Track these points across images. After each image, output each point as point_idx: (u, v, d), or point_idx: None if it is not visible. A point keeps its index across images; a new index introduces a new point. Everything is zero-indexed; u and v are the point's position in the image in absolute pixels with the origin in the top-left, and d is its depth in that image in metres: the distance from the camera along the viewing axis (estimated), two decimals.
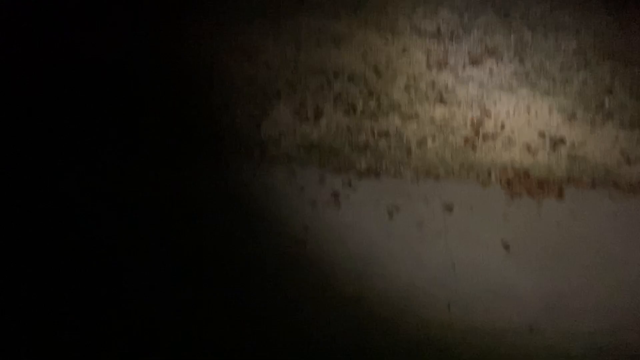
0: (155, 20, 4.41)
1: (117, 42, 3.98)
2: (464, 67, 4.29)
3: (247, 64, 4.06)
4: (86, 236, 2.60)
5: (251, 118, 3.39)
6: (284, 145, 3.21)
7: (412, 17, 5.38)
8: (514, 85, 4.17)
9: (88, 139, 3.13)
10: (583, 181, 3.26)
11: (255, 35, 4.59)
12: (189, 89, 3.64)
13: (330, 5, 5.63)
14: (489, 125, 3.63)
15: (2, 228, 2.54)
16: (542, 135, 3.61)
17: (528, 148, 3.48)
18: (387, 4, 5.81)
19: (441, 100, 3.82)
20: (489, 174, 3.24)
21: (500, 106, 3.85)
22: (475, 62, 4.37)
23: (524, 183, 3.20)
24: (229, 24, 4.78)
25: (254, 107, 3.50)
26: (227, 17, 4.94)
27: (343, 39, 4.68)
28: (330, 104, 3.71)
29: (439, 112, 3.71)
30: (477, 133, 3.53)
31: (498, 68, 4.40)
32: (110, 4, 4.37)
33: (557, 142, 3.55)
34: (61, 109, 3.34)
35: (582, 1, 6.02)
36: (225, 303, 2.39)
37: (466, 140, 3.47)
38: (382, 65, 4.26)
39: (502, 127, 3.64)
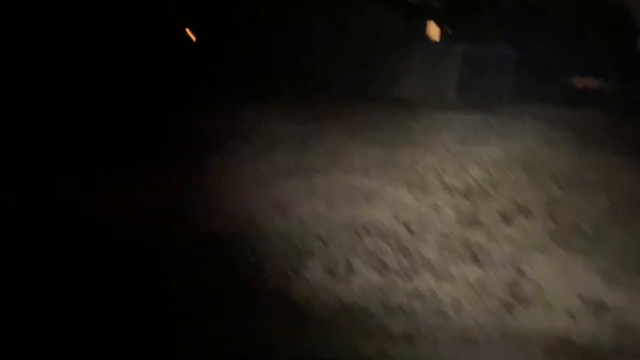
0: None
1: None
2: (496, 225, 4.30)
3: (281, 220, 4.17)
4: None
5: (283, 277, 3.39)
6: (315, 306, 3.15)
7: (442, 174, 5.57)
8: (548, 244, 4.13)
9: None
10: (631, 352, 3.04)
11: (289, 192, 4.80)
12: (222, 246, 3.71)
13: (361, 163, 5.91)
14: (526, 288, 3.52)
15: None
16: (581, 299, 3.47)
17: (568, 313, 3.32)
18: (416, 162, 6.08)
19: (475, 259, 3.78)
20: (529, 342, 3.06)
21: (535, 267, 3.78)
22: (507, 220, 4.39)
23: (567, 352, 3.00)
24: (265, 181, 5.04)
25: (286, 265, 3.52)
26: (264, 175, 5.21)
27: (373, 196, 4.83)
28: (362, 261, 3.70)
29: (474, 272, 3.64)
30: (514, 296, 3.42)
31: (530, 226, 4.41)
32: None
33: (598, 307, 3.39)
34: None
35: (609, 160, 6.18)
36: None
37: (503, 303, 3.35)
38: (414, 222, 4.32)
39: (539, 289, 3.53)
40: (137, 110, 7.97)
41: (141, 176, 4.97)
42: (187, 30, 18.51)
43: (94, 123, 6.80)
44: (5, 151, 5.22)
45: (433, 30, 20.53)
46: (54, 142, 5.79)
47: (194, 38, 18.76)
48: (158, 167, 5.24)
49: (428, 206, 4.66)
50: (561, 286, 3.59)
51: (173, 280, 3.25)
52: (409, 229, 4.18)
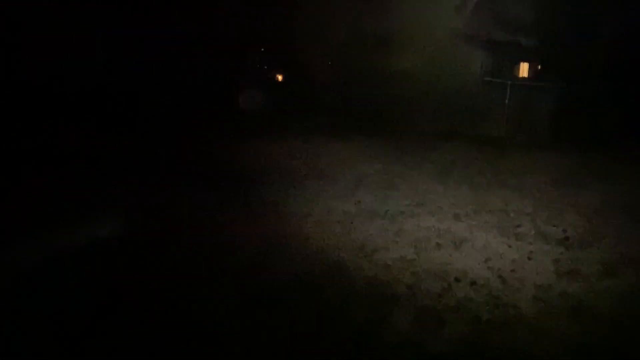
0: None
1: None
2: (598, 278, 3.98)
3: (367, 264, 4.10)
4: None
5: (368, 323, 3.31)
6: (404, 357, 3.04)
7: (536, 220, 5.28)
8: None
9: None
10: None
11: (376, 235, 4.73)
12: (307, 290, 3.70)
13: (450, 205, 5.75)
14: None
15: None
16: None
17: None
18: (507, 205, 5.82)
19: (576, 315, 3.49)
20: None
21: None
22: (611, 272, 4.05)
23: None
24: (351, 223, 5.01)
25: (372, 311, 3.43)
26: (350, 216, 5.20)
27: (463, 241, 4.65)
28: (453, 312, 3.54)
29: (574, 329, 3.36)
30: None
31: (637, 279, 4.05)
32: None
33: None
34: None
35: None
36: None
37: None
38: (506, 271, 4.09)
39: None
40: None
41: (226, 216, 5.11)
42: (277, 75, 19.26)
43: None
44: None
45: (523, 68, 19.97)
46: None
47: (280, 78, 19.43)
48: (239, 207, 5.39)
49: (522, 254, 4.41)
50: None
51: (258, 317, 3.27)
52: (501, 279, 3.96)
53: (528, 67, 20.47)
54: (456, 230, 4.90)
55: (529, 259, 4.31)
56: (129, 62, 12.48)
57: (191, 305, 3.38)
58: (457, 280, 3.90)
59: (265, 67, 19.30)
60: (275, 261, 4.05)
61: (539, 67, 19.77)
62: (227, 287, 3.66)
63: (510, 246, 4.56)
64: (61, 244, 3.30)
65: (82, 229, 3.78)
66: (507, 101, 16.39)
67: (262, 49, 18.63)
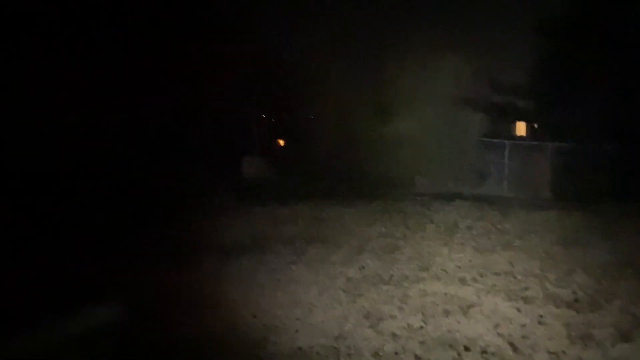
0: None
1: None
2: (613, 344, 3.84)
3: (373, 334, 3.99)
4: None
5: None
6: None
7: (544, 282, 5.19)
8: None
9: None
10: None
11: (381, 302, 4.63)
12: None
13: (455, 269, 5.66)
14: None
15: None
16: None
17: None
18: (514, 267, 5.73)
19: None
20: None
21: None
22: (626, 337, 3.93)
23: None
24: (355, 289, 4.92)
25: None
26: (354, 283, 5.11)
27: (471, 307, 4.55)
28: None
29: None
30: None
31: None
32: None
33: None
34: None
35: None
36: None
37: None
38: (517, 338, 3.97)
39: None
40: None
41: (228, 288, 5.03)
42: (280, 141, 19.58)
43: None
44: None
45: (520, 128, 20.29)
46: None
47: (282, 143, 19.71)
48: (243, 273, 5.32)
49: (532, 319, 4.29)
50: None
51: None
52: (512, 346, 3.83)
53: (525, 126, 20.80)
54: (463, 295, 4.80)
55: (540, 323, 4.20)
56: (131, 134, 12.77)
57: None
58: (467, 349, 3.77)
59: (268, 133, 19.64)
60: (280, 334, 3.94)
61: (536, 126, 20.10)
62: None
63: (519, 310, 4.45)
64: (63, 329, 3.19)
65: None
66: (506, 160, 16.55)
67: (264, 116, 19.03)
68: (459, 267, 5.71)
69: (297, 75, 18.11)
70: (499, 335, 4.00)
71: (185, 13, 14.23)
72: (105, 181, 10.22)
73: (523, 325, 4.15)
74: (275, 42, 18.10)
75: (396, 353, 3.68)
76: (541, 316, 4.33)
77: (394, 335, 3.96)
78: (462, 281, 5.20)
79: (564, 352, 3.71)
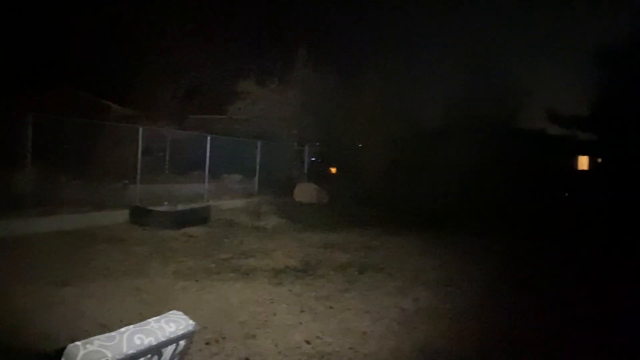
0: None
1: None
2: None
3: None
4: None
5: None
6: None
7: None
8: None
9: None
10: None
11: (434, 335, 4.50)
12: None
13: (511, 304, 5.44)
14: None
15: None
16: None
17: None
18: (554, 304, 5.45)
19: None
20: None
21: None
22: None
23: None
24: (409, 321, 4.80)
25: None
26: (407, 314, 4.98)
27: (528, 342, 4.34)
28: None
29: None
30: None
31: None
32: None
33: None
34: None
35: None
36: None
37: None
38: None
39: None
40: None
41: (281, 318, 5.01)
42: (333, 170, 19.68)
43: None
44: None
45: (582, 162, 19.62)
46: None
47: (334, 171, 19.81)
48: (291, 306, 5.28)
49: None
50: None
51: None
52: None
53: (587, 160, 20.10)
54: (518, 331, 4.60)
55: None
56: None
57: None
58: None
59: (320, 160, 19.81)
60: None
61: (599, 160, 19.35)
62: None
63: None
64: None
65: None
66: (566, 194, 15.98)
67: (317, 144, 19.23)
68: (512, 301, 5.50)
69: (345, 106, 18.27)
70: None
71: None
72: None
73: None
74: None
75: None
76: None
77: None
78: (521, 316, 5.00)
79: None
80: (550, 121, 19.53)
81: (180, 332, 1.93)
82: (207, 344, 3.97)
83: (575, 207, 14.09)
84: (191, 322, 1.97)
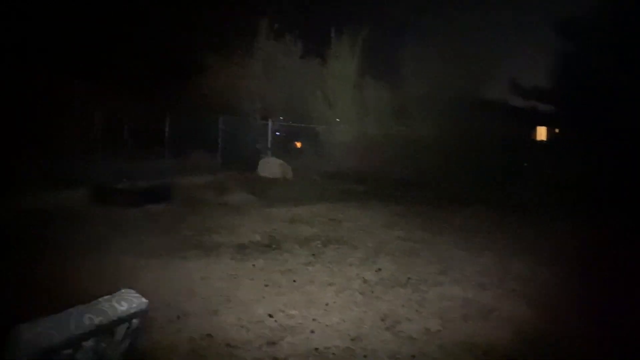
0: None
1: None
2: None
3: (390, 336, 3.92)
4: None
5: None
6: None
7: None
8: None
9: None
10: None
11: (397, 305, 4.57)
12: None
13: (474, 274, 5.56)
14: None
15: None
16: None
17: None
18: (535, 273, 5.62)
19: None
20: None
21: None
22: None
23: None
24: (372, 292, 4.85)
25: None
26: (370, 285, 5.04)
27: (490, 312, 4.46)
28: None
29: None
30: None
31: None
32: None
33: None
34: None
35: None
36: None
37: None
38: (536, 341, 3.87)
39: None
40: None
41: (242, 287, 5.00)
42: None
43: None
44: None
45: (540, 132, 20.06)
46: None
47: (299, 145, 19.74)
48: (256, 276, 5.28)
49: None
50: None
51: None
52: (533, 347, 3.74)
53: (546, 131, 20.57)
54: (482, 300, 4.72)
55: None
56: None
57: None
58: (485, 354, 3.69)
59: (284, 135, 19.67)
60: (295, 334, 3.89)
61: (557, 130, 19.83)
62: None
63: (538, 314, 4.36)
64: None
65: None
66: (524, 164, 16.35)
67: (281, 118, 19.07)
68: (478, 271, 5.63)
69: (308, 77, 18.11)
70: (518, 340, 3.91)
71: None
72: None
73: (540, 330, 4.07)
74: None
75: (414, 357, 3.60)
76: None
77: (411, 338, 3.89)
78: (481, 285, 5.13)
79: None
80: (512, 93, 19.87)
81: (132, 311, 1.89)
82: (169, 321, 3.92)
83: (535, 176, 14.43)
84: (144, 300, 1.93)
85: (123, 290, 2.03)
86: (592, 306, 4.65)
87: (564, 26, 18.51)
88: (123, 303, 1.93)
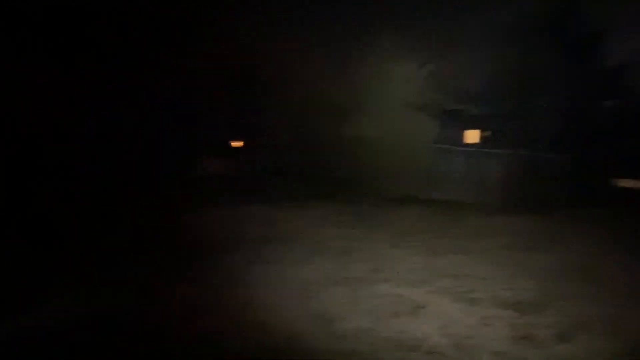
0: None
1: None
2: (553, 346, 3.98)
3: (324, 335, 4.01)
4: None
5: None
6: None
7: (492, 285, 5.34)
8: None
9: None
10: None
11: (332, 303, 4.65)
12: None
13: (406, 272, 5.76)
14: None
15: None
16: None
17: None
18: (462, 271, 5.88)
19: None
20: None
21: None
22: (565, 338, 4.08)
23: None
24: (307, 291, 4.93)
25: None
26: (306, 284, 5.12)
27: (419, 308, 4.63)
28: None
29: None
30: None
31: (592, 345, 4.06)
32: None
33: None
34: None
35: None
36: None
37: None
38: (462, 338, 4.06)
39: None
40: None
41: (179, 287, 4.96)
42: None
43: None
44: None
45: (473, 135, 20.78)
46: None
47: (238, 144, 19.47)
48: (192, 275, 5.25)
49: (477, 320, 4.41)
50: None
51: None
52: (457, 346, 3.92)
53: (478, 134, 21.32)
54: (412, 297, 4.89)
55: (485, 325, 4.31)
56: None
57: None
58: (413, 349, 3.84)
59: (223, 134, 19.36)
60: (232, 332, 3.90)
61: (489, 134, 20.63)
62: None
63: (464, 312, 4.56)
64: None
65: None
66: (458, 167, 16.93)
67: (220, 116, 18.76)
68: (411, 269, 5.82)
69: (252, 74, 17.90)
70: (445, 335, 4.08)
71: None
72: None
73: (468, 326, 4.26)
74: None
75: (345, 354, 3.70)
76: (486, 318, 4.45)
77: (343, 336, 3.98)
78: (411, 283, 5.30)
79: (505, 352, 3.82)
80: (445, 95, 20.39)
81: None
82: None
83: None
84: None
85: None
86: None
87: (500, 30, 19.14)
88: None
